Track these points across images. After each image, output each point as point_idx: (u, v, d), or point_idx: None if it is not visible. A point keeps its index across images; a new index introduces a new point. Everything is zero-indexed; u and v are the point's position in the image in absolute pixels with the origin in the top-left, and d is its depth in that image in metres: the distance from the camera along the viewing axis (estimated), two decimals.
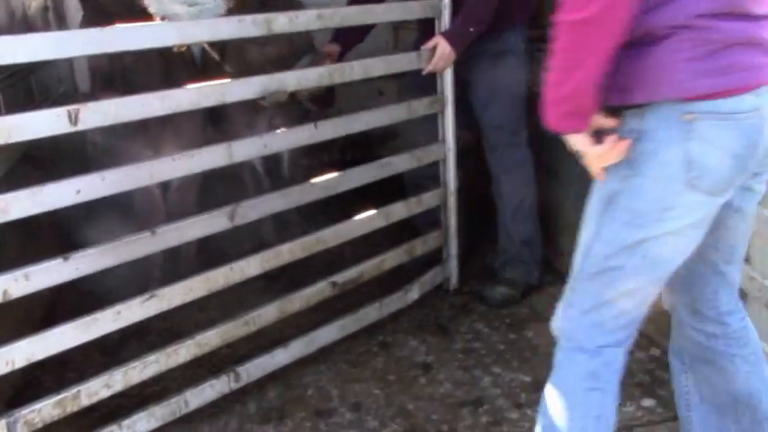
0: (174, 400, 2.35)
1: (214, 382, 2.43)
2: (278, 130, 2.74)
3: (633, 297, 1.62)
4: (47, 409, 2.04)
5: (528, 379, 2.58)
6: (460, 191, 3.36)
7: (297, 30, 2.52)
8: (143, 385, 2.38)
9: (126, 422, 2.24)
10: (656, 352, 2.68)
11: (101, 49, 2.16)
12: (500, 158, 3.16)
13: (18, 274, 1.96)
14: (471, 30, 2.87)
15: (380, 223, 2.88)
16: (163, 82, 2.79)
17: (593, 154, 1.54)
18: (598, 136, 1.54)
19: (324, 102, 3.04)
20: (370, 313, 2.88)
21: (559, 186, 3.31)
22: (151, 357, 2.29)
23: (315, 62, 2.91)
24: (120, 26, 2.15)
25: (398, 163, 2.93)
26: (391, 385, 2.58)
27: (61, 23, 4.06)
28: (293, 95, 2.68)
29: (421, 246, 3.09)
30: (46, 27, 3.85)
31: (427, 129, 3.09)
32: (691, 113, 1.44)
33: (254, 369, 2.53)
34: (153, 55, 2.83)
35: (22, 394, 2.54)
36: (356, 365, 2.71)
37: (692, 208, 1.51)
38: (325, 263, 2.89)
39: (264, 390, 2.57)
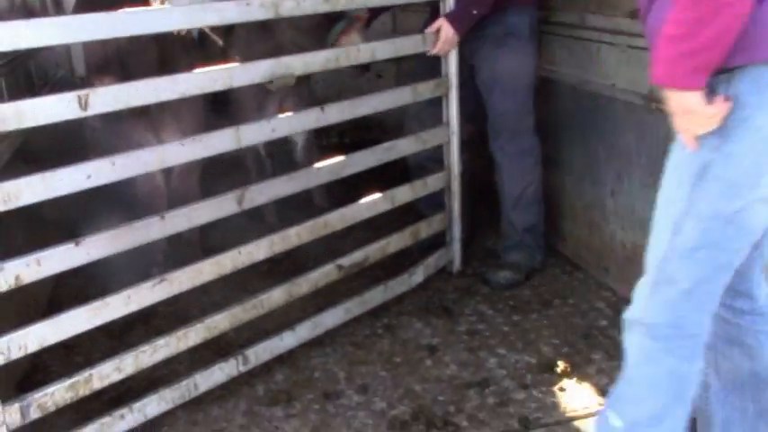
0: (183, 383, 2.37)
1: (223, 365, 2.45)
2: (285, 114, 2.74)
3: (728, 271, 1.61)
4: (60, 392, 2.06)
5: (533, 360, 2.60)
6: (464, 175, 3.39)
7: (305, 13, 2.53)
8: (152, 368, 2.39)
9: (137, 405, 2.26)
10: None
11: (107, 35, 2.16)
12: (503, 146, 3.16)
13: (30, 259, 1.96)
14: (474, 12, 2.88)
15: (386, 206, 2.90)
16: (161, 66, 2.80)
17: (707, 114, 1.47)
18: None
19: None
20: (375, 296, 2.91)
21: (561, 171, 3.33)
22: (161, 341, 2.31)
23: (348, 27, 2.92)
24: (126, 11, 2.14)
25: (403, 146, 2.95)
26: (398, 367, 2.61)
27: (58, 9, 4.03)
28: None
29: (425, 229, 3.11)
30: (44, 12, 3.82)
31: (430, 113, 3.10)
32: None
33: (262, 352, 2.55)
34: (150, 39, 2.83)
35: (31, 378, 2.56)
36: (362, 348, 2.73)
37: None
38: (328, 247, 2.90)
39: (272, 372, 2.60)
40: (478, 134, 3.26)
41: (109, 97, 2.13)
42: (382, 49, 2.77)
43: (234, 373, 2.48)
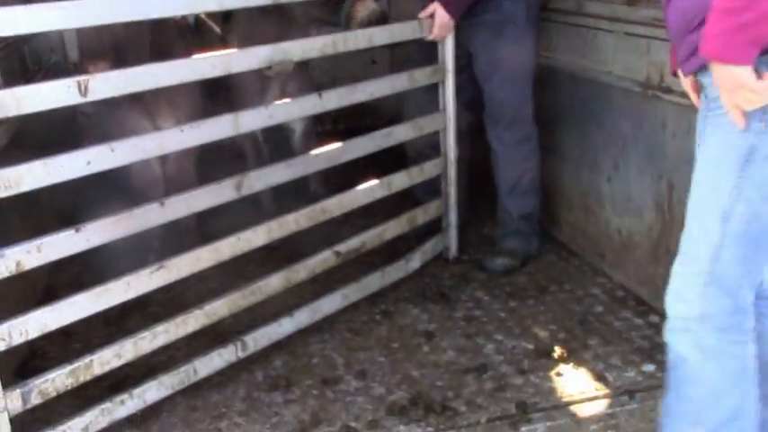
0: (183, 369, 2.37)
1: (222, 351, 2.46)
2: (283, 101, 2.74)
3: None
4: (60, 378, 2.06)
5: (530, 346, 2.62)
6: (462, 162, 3.40)
7: None
8: (150, 355, 2.40)
9: (137, 391, 2.27)
10: (654, 318, 2.74)
11: (106, 20, 2.15)
12: (500, 134, 3.16)
13: (30, 245, 1.97)
14: None
15: (383, 192, 2.91)
16: (158, 52, 2.78)
17: (757, 89, 1.45)
18: None
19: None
20: (373, 282, 2.92)
21: (557, 158, 3.34)
22: (160, 327, 2.32)
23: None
24: None
25: (400, 133, 2.96)
26: (395, 353, 2.62)
27: None
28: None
29: (422, 215, 3.12)
30: None
31: (428, 99, 3.10)
32: None
33: (260, 338, 2.56)
34: (146, 25, 2.81)
35: (30, 364, 2.57)
36: (360, 334, 2.75)
37: None
38: (324, 234, 2.90)
39: (270, 359, 2.61)
40: (477, 122, 3.26)
41: (109, 83, 2.13)
42: (379, 35, 2.78)
43: (233, 359, 2.49)
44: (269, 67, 2.54)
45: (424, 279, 3.11)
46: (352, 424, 2.24)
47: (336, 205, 2.76)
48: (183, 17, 3.30)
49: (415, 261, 3.10)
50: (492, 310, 2.87)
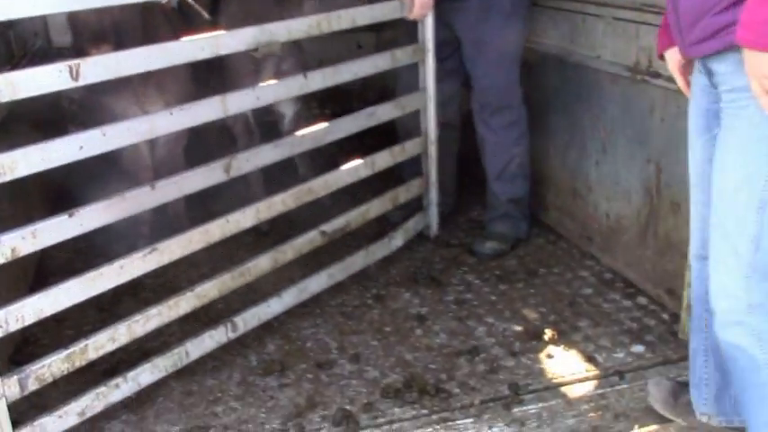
0: (175, 351, 2.39)
1: (213, 332, 2.47)
2: (269, 82, 2.75)
3: None
4: (56, 363, 2.06)
5: (521, 328, 2.65)
6: (450, 146, 3.42)
7: None
8: (143, 340, 2.42)
9: (131, 374, 2.27)
10: (642, 300, 2.78)
11: (99, 3, 2.14)
12: (487, 120, 3.17)
13: (25, 231, 1.96)
14: None
15: (367, 172, 2.96)
16: (146, 36, 2.77)
17: None
18: None
19: None
20: (357, 261, 2.96)
21: (545, 142, 3.36)
22: (153, 311, 2.33)
23: None
24: None
25: (382, 112, 3.00)
26: (388, 336, 2.64)
27: None
28: None
29: (404, 194, 3.17)
30: None
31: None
32: None
33: (250, 318, 2.58)
34: (136, 8, 2.80)
35: (22, 351, 2.56)
36: (352, 318, 2.76)
37: None
38: (313, 217, 2.91)
39: (264, 343, 2.62)
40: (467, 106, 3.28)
41: (100, 67, 2.13)
42: (362, 16, 2.81)
43: (223, 339, 2.51)
44: (256, 49, 2.56)
45: (414, 263, 3.13)
46: (348, 407, 2.26)
47: (322, 185, 2.80)
48: (168, 0, 3.29)
49: (397, 239, 3.15)
50: (482, 294, 2.89)
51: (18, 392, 1.95)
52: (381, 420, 2.21)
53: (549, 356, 2.50)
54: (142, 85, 3.01)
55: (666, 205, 2.68)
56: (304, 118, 3.66)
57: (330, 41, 3.96)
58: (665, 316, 2.67)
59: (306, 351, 2.58)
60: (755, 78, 1.48)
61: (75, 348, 2.12)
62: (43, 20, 4.05)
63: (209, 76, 3.28)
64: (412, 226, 3.23)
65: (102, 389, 2.19)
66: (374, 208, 3.02)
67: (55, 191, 3.52)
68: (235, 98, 2.46)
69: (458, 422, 2.19)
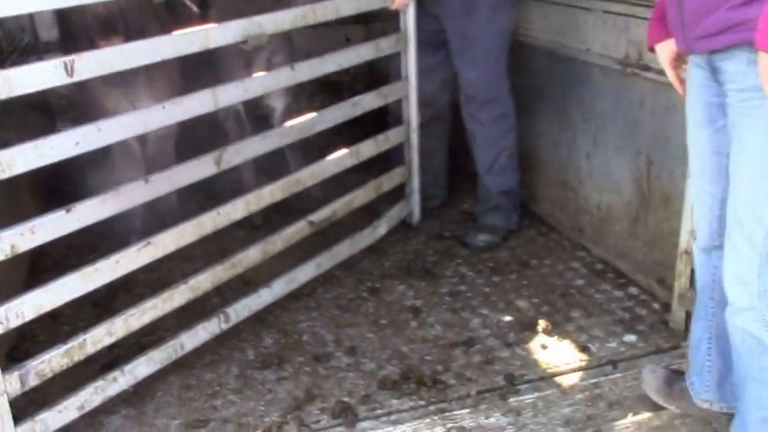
0: (170, 343, 2.41)
1: (206, 324, 2.50)
2: (257, 75, 2.77)
3: None
4: (56, 358, 2.07)
5: (514, 319, 2.69)
6: (441, 139, 3.45)
7: None
8: (140, 335, 2.43)
9: (127, 367, 2.29)
10: (633, 290, 2.82)
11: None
12: (475, 113, 3.19)
13: (24, 228, 1.97)
14: None
15: (352, 161, 3.01)
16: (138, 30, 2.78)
17: None
18: None
19: None
20: (343, 249, 3.00)
21: (536, 134, 3.38)
22: (148, 304, 2.35)
23: None
24: None
25: (366, 102, 3.04)
26: (384, 329, 2.67)
27: None
28: None
29: (387, 182, 3.21)
30: None
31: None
32: None
33: (241, 309, 2.61)
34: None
35: (19, 347, 2.56)
36: (348, 311, 2.78)
37: None
38: (303, 210, 2.94)
39: (261, 337, 2.64)
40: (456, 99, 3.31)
41: (93, 63, 2.14)
42: (346, 6, 2.84)
43: (216, 330, 2.53)
44: (245, 42, 2.58)
45: (408, 256, 3.16)
46: (346, 399, 2.29)
47: (309, 176, 2.85)
48: None
49: (381, 228, 3.19)
50: (476, 285, 2.92)
51: (19, 388, 1.96)
52: (380, 412, 2.24)
53: (544, 347, 2.53)
54: (131, 79, 3.01)
55: (657, 197, 2.72)
56: (294, 111, 3.68)
57: (319, 35, 3.97)
58: (656, 306, 2.71)
59: (303, 344, 2.59)
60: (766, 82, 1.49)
61: (74, 343, 2.13)
62: (30, 15, 4.03)
63: (199, 70, 3.28)
64: (395, 214, 3.29)
65: (100, 382, 2.21)
66: (359, 197, 3.08)
67: (44, 183, 3.51)
68: (225, 91, 2.49)
69: (455, 413, 2.21)
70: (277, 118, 3.52)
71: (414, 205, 3.36)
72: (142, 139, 3.16)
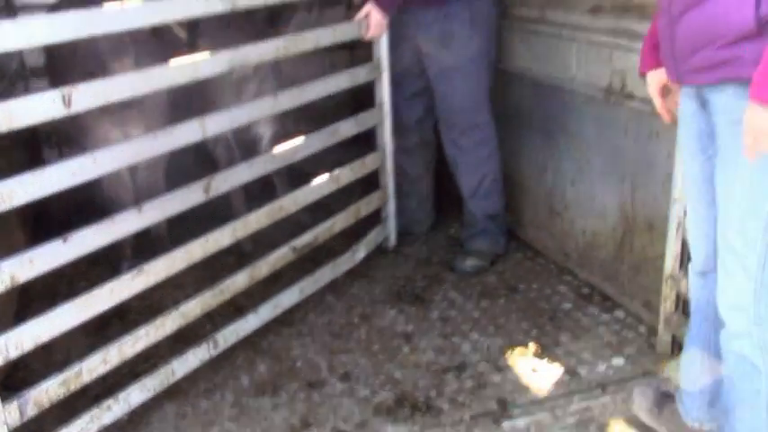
0: (162, 370, 2.44)
1: (196, 350, 2.53)
2: (243, 104, 2.82)
3: None
4: (53, 388, 2.08)
5: (505, 343, 2.73)
6: (428, 165, 3.51)
7: (257, 6, 2.69)
8: (134, 364, 2.45)
9: (122, 395, 2.31)
10: (619, 314, 2.87)
11: (85, 33, 2.18)
12: (456, 139, 3.25)
13: (23, 258, 1.98)
14: None
15: (332, 187, 3.10)
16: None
17: None
18: None
19: None
20: (325, 274, 3.07)
21: (522, 159, 3.44)
22: (141, 331, 2.38)
23: None
24: (98, 9, 2.17)
25: (344, 129, 3.13)
26: (377, 355, 2.69)
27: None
28: None
29: (365, 207, 3.29)
30: None
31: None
32: None
33: (229, 334, 2.65)
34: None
35: (14, 377, 2.55)
36: (340, 337, 2.81)
37: None
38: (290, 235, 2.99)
39: (255, 364, 2.65)
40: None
41: (89, 94, 2.17)
42: (324, 37, 2.94)
43: (206, 356, 2.56)
44: (231, 73, 2.64)
45: (397, 282, 3.19)
46: (342, 426, 2.31)
47: (292, 202, 2.93)
48: None
49: (360, 252, 3.27)
50: (466, 310, 2.96)
51: (18, 419, 1.97)
52: None
53: (534, 371, 2.57)
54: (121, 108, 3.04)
55: (641, 222, 2.78)
56: (282, 137, 3.72)
57: (305, 62, 4.02)
58: (643, 329, 2.76)
59: (296, 371, 2.61)
60: (752, 133, 1.56)
61: (71, 372, 2.15)
62: None
63: (190, 97, 3.31)
64: (373, 238, 3.37)
65: (94, 411, 2.22)
66: (339, 222, 3.16)
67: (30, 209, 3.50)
68: (212, 120, 2.55)
69: None
70: (266, 145, 3.56)
71: (390, 230, 3.44)
72: (133, 167, 3.18)
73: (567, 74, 3.03)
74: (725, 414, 1.93)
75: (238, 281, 2.70)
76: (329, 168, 3.10)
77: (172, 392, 2.46)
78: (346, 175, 3.16)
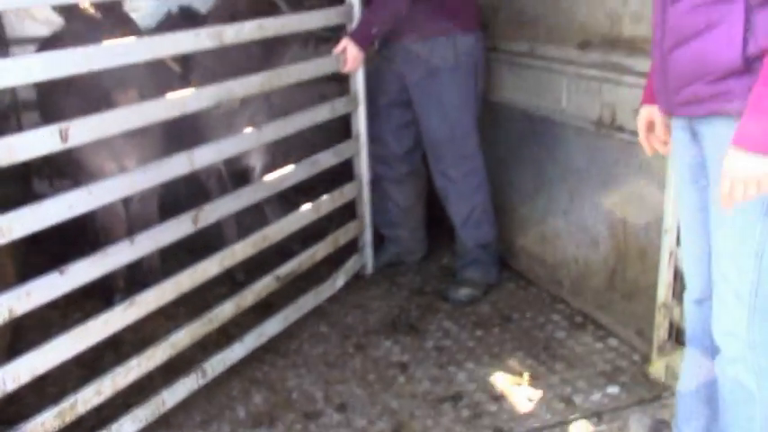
0: (152, 400, 2.45)
1: (185, 379, 2.55)
2: (229, 137, 2.86)
3: None
4: (49, 420, 2.09)
5: (500, 373, 2.74)
6: (419, 196, 3.54)
7: (243, 40, 2.72)
8: (127, 395, 2.44)
9: (114, 426, 2.32)
10: (613, 342, 2.89)
11: (80, 69, 2.22)
12: (445, 171, 3.29)
13: (20, 291, 2.00)
14: (374, 30, 3.08)
15: (313, 216, 3.16)
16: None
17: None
18: None
19: None
20: (308, 302, 3.13)
21: (514, 190, 3.48)
22: (133, 362, 2.40)
23: None
24: (91, 47, 2.22)
25: (323, 160, 3.20)
26: (372, 385, 2.70)
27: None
28: None
29: (343, 236, 3.36)
30: None
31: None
32: None
33: (216, 364, 2.67)
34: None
35: (7, 411, 2.53)
36: (336, 367, 2.81)
37: None
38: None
39: (250, 395, 2.65)
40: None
41: (85, 129, 2.22)
42: (305, 71, 3.01)
43: (195, 386, 2.58)
44: (218, 106, 2.72)
45: (392, 311, 3.20)
46: None
47: (276, 231, 2.98)
48: None
49: (339, 279, 3.34)
50: (461, 340, 2.97)
51: None
52: None
53: (530, 400, 2.58)
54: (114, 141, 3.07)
55: (633, 251, 2.82)
56: (272, 167, 3.75)
57: (295, 93, 4.07)
58: (636, 357, 2.78)
59: (292, 402, 2.61)
60: (730, 178, 1.60)
61: (65, 404, 2.16)
62: None
63: (182, 129, 3.34)
64: (351, 267, 3.43)
65: None
66: (320, 250, 3.22)
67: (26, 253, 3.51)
68: (200, 152, 2.60)
69: None
70: (257, 176, 3.58)
71: (367, 258, 3.51)
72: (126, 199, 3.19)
73: (557, 106, 3.08)
74: None
75: (226, 310, 2.74)
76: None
77: (168, 424, 2.46)
78: (327, 204, 3.22)
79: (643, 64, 2.52)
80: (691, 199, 1.91)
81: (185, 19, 3.68)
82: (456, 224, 3.36)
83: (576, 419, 2.46)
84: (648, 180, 2.65)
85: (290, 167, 3.05)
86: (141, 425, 2.39)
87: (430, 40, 3.11)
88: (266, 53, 3.15)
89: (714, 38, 1.63)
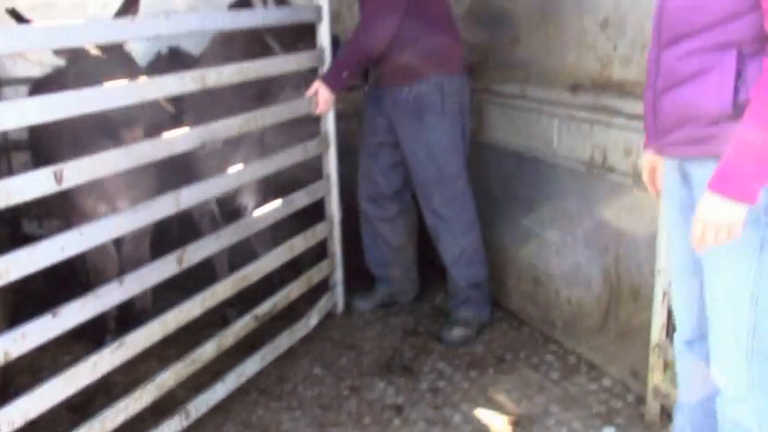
0: None
1: (169, 422, 2.56)
2: (212, 177, 2.88)
3: None
4: None
5: (496, 414, 2.72)
6: (412, 234, 3.55)
7: (224, 83, 2.79)
8: None
9: None
10: (607, 383, 2.89)
11: (73, 112, 2.23)
12: (435, 210, 3.31)
13: (16, 334, 1.99)
14: (344, 74, 3.15)
15: (288, 256, 3.22)
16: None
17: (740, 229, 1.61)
18: None
19: None
20: (283, 341, 3.16)
21: (506, 231, 3.50)
22: (121, 404, 2.41)
23: None
24: (84, 90, 2.25)
25: (298, 200, 3.27)
26: (368, 427, 2.67)
27: None
28: None
29: (316, 275, 3.41)
30: None
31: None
32: None
33: (200, 404, 2.70)
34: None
35: None
36: (330, 410, 2.79)
37: None
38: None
39: None
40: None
41: (77, 171, 2.24)
42: (280, 113, 3.09)
43: (179, 427, 2.59)
44: (203, 147, 2.75)
45: (385, 353, 3.19)
46: None
47: (254, 271, 3.02)
48: None
49: (313, 318, 3.39)
50: (455, 381, 2.96)
51: None
52: None
53: None
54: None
55: (626, 291, 2.83)
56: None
57: (285, 131, 4.10)
58: (631, 398, 2.77)
59: None
60: (702, 221, 1.63)
61: None
62: None
63: (174, 168, 3.35)
64: (323, 305, 3.48)
65: None
66: (295, 289, 3.26)
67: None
68: (186, 193, 2.64)
69: None
70: (249, 214, 3.58)
71: (338, 296, 3.56)
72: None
73: (548, 147, 3.11)
74: None
75: (207, 350, 2.77)
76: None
77: None
78: (300, 243, 3.27)
79: (633, 106, 2.56)
80: (682, 240, 1.93)
81: (174, 60, 3.73)
82: (447, 263, 3.37)
83: None
84: (641, 220, 2.68)
85: (266, 207, 3.14)
86: None
87: (416, 84, 3.15)
88: (261, 94, 3.19)
89: (706, 84, 1.67)
